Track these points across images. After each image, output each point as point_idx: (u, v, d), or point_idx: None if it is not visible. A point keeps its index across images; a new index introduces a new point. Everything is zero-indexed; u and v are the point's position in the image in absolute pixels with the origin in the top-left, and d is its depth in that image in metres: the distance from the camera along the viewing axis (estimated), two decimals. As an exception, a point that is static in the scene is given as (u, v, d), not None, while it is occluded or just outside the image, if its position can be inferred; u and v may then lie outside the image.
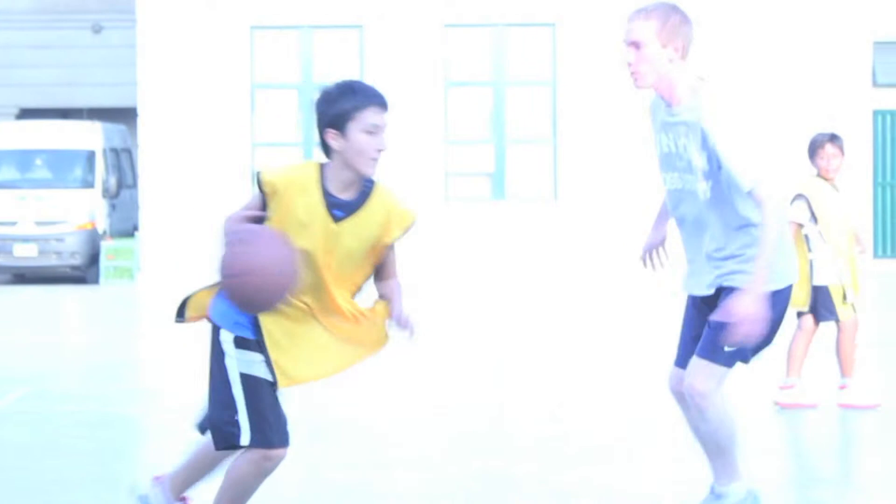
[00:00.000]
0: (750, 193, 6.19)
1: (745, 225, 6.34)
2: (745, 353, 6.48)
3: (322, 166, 5.90)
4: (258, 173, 5.90)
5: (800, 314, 10.50)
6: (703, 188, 6.34)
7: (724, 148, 6.21)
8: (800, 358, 10.46)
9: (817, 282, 10.34)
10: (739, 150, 6.21)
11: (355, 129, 5.76)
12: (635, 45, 6.33)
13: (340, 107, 5.80)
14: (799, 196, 10.39)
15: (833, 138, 10.34)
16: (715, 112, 6.26)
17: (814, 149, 10.36)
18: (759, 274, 6.15)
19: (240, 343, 5.91)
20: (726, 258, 6.41)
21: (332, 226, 5.88)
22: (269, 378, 5.94)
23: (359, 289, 6.04)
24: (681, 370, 6.65)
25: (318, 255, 5.87)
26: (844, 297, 10.35)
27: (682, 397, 6.65)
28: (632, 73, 6.34)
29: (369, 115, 5.80)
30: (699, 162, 6.33)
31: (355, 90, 5.84)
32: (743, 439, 6.84)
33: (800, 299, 10.29)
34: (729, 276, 6.38)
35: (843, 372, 10.52)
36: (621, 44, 6.45)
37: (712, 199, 6.33)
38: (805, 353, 10.51)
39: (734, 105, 6.37)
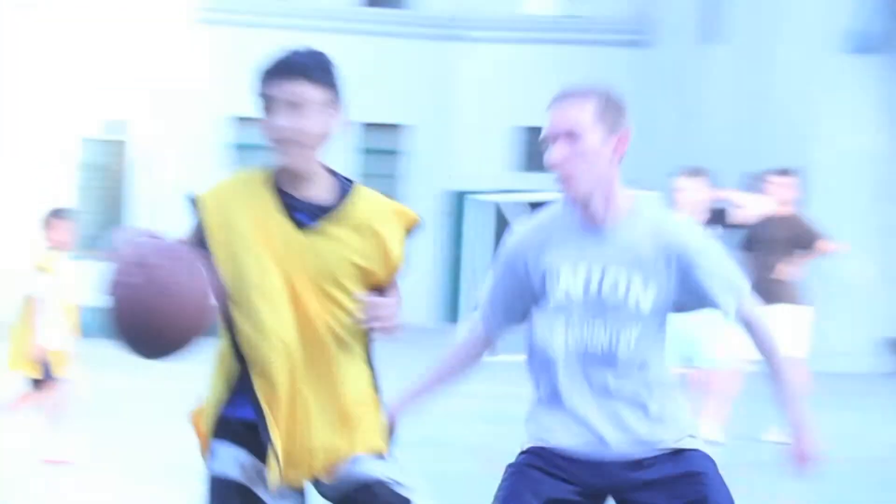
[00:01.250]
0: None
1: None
2: None
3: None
4: (191, 195, 4.66)
5: None
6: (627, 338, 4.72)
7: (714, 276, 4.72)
8: None
9: None
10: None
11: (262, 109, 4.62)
12: (569, 135, 4.61)
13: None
14: None
15: None
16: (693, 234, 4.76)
17: None
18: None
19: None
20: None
21: (297, 234, 4.51)
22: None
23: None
24: None
25: (284, 278, 4.48)
26: None
27: None
28: (563, 178, 4.59)
29: (264, 89, 4.63)
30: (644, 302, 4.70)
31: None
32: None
33: None
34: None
35: None
36: (543, 139, 4.64)
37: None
38: None
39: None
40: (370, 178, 28.52)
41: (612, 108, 4.65)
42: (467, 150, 29.19)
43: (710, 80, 26.22)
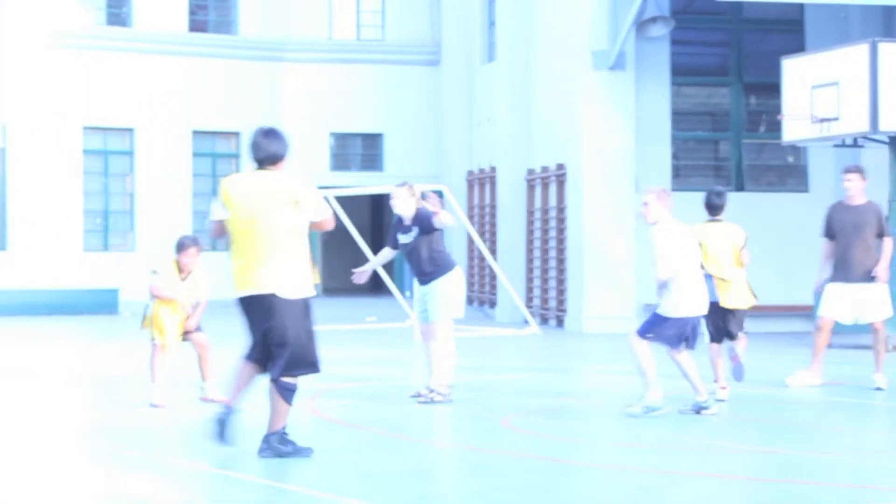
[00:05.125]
0: None
1: None
2: None
3: None
4: None
5: None
6: None
7: None
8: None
9: None
10: None
11: None
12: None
13: None
14: None
15: None
16: None
17: None
18: None
19: None
20: None
21: None
22: None
23: None
24: None
25: None
26: None
27: None
28: None
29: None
30: None
31: None
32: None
33: None
34: None
35: None
36: None
37: None
38: None
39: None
40: (208, 179, 30.97)
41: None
42: (291, 153, 31.25)
43: (489, 94, 27.74)
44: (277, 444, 9.19)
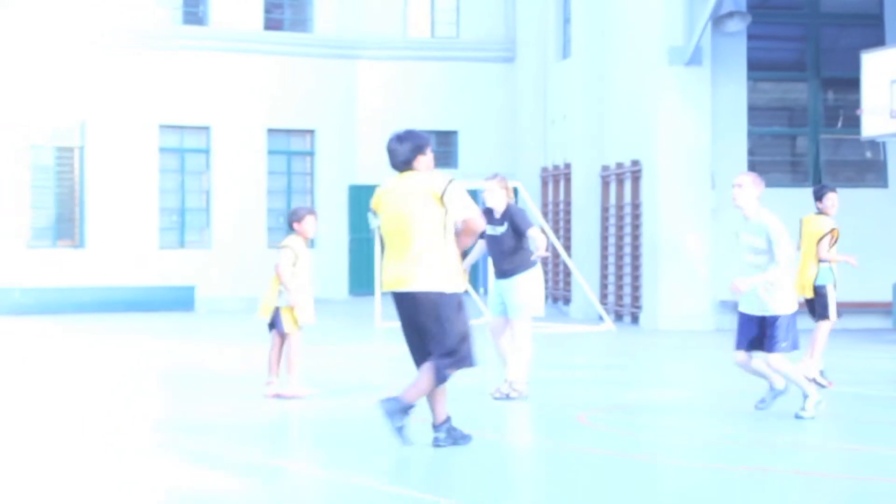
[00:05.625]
0: None
1: None
2: None
3: None
4: None
5: None
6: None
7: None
8: None
9: None
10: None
11: None
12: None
13: None
14: None
15: None
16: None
17: None
18: None
19: None
20: None
21: None
22: None
23: None
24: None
25: None
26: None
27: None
28: None
29: None
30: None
31: None
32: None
33: None
34: None
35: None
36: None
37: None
38: None
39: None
40: (283, 176, 31.08)
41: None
42: (367, 150, 31.36)
43: (564, 90, 27.70)
44: (449, 433, 9.41)
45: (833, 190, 14.07)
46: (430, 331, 9.19)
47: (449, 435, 9.39)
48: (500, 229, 12.50)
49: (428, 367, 9.27)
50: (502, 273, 12.55)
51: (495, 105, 31.72)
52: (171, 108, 29.88)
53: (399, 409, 9.19)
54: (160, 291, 27.77)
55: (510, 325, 12.52)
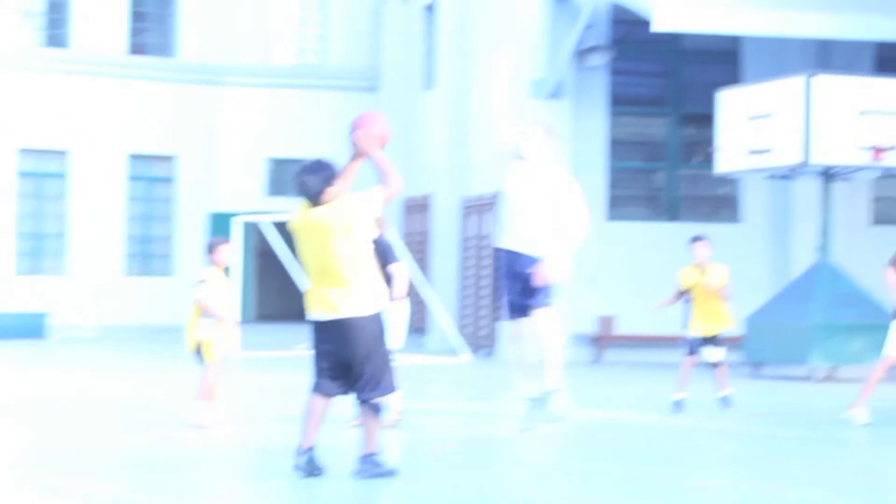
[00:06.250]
0: None
1: None
2: None
3: None
4: None
5: None
6: None
7: None
8: None
9: None
10: None
11: None
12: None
13: None
14: None
15: None
16: None
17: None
18: None
19: None
20: None
21: None
22: None
23: None
24: None
25: None
26: None
27: None
28: None
29: None
30: None
31: None
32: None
33: None
34: None
35: None
36: None
37: None
38: None
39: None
40: (144, 202, 30.73)
41: None
42: (228, 178, 31.14)
43: (429, 120, 27.84)
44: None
45: (701, 239, 14.68)
46: (357, 357, 9.28)
47: (309, 463, 9.34)
48: None
49: (364, 410, 9.40)
50: None
51: (359, 134, 31.60)
52: (30, 132, 29.41)
53: (374, 463, 9.36)
54: (10, 318, 27.16)
55: None
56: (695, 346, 14.55)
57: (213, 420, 12.41)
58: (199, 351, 12.52)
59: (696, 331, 14.56)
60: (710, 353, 14.61)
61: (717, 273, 14.64)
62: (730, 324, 14.69)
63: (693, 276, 14.60)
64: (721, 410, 14.52)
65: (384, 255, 12.38)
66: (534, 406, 12.40)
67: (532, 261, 12.20)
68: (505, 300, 12.63)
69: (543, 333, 12.29)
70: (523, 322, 12.39)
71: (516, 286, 12.33)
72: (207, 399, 12.46)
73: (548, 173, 12.35)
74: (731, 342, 21.76)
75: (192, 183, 30.94)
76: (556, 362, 12.38)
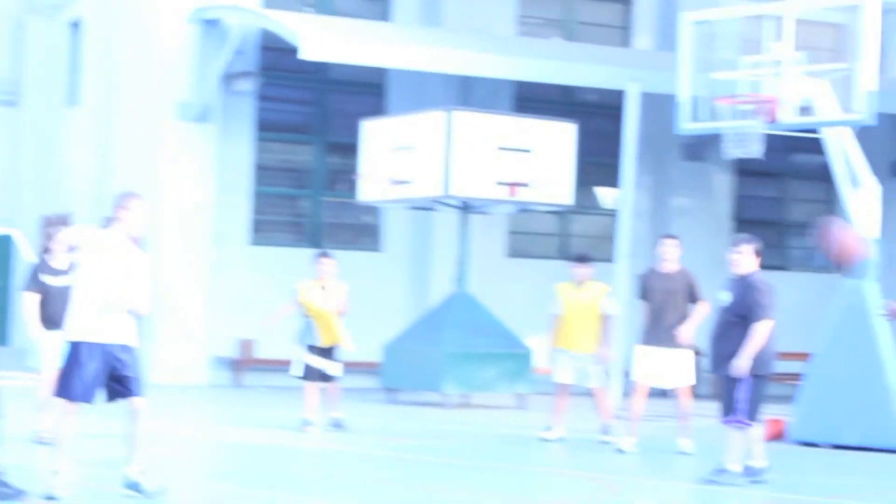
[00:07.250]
0: None
1: None
2: None
3: None
4: None
5: None
6: None
7: None
8: None
9: None
10: None
11: None
12: None
13: None
14: None
15: None
16: None
17: None
18: None
19: None
20: None
21: None
22: None
23: None
24: None
25: None
26: None
27: None
28: None
29: None
30: None
31: None
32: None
33: None
34: None
35: None
36: None
37: None
38: None
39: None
40: None
41: None
42: None
43: (73, 138, 27.18)
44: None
45: (327, 255, 15.34)
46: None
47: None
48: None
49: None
50: None
51: (-4, 149, 30.74)
52: None
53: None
54: None
55: None
56: (311, 373, 15.09)
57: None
58: None
59: (314, 349, 15.11)
60: (329, 366, 15.00)
61: (336, 290, 15.03)
62: (345, 341, 15.03)
63: (313, 292, 15.22)
64: (334, 432, 14.83)
65: None
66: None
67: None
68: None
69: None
70: None
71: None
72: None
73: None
74: (367, 367, 22.22)
75: None
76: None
